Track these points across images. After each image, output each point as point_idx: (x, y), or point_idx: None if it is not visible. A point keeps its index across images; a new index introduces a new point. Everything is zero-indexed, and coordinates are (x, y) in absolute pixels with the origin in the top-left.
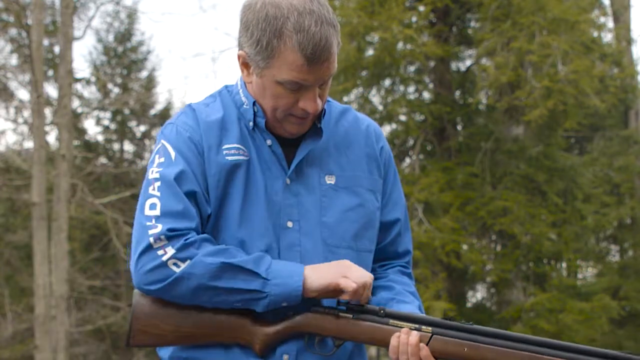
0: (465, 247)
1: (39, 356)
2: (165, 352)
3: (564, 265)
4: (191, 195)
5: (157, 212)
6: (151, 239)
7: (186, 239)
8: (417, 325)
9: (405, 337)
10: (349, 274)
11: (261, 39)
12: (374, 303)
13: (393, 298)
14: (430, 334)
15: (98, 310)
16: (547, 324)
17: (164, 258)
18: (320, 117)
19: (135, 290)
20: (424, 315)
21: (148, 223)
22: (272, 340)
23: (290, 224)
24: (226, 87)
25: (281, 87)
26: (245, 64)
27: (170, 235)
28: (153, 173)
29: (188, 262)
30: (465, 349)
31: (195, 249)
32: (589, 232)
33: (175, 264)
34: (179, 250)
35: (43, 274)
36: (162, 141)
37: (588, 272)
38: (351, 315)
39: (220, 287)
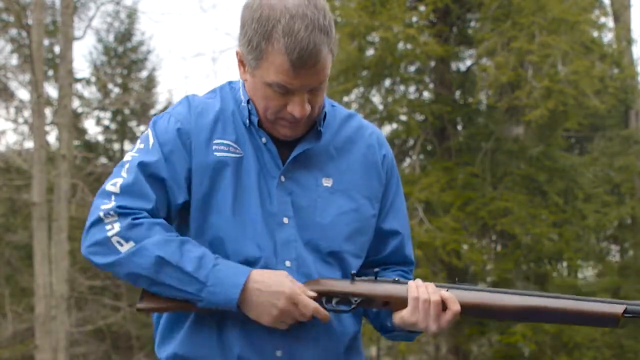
0: (465, 246)
1: (39, 356)
2: (162, 351)
3: (564, 265)
4: (158, 180)
5: (116, 189)
6: (101, 213)
7: (134, 218)
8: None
9: (424, 287)
10: (280, 305)
11: (252, 39)
12: None
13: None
14: (446, 289)
15: (98, 310)
16: (547, 324)
17: (109, 233)
18: (321, 120)
19: None
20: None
21: (105, 200)
22: None
23: (286, 220)
24: (229, 83)
25: (270, 89)
26: (241, 62)
27: (120, 212)
28: (128, 156)
29: (131, 244)
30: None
31: (143, 232)
32: (589, 232)
33: (118, 242)
34: (124, 228)
35: (43, 274)
36: (149, 129)
37: (588, 272)
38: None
39: (156, 280)
